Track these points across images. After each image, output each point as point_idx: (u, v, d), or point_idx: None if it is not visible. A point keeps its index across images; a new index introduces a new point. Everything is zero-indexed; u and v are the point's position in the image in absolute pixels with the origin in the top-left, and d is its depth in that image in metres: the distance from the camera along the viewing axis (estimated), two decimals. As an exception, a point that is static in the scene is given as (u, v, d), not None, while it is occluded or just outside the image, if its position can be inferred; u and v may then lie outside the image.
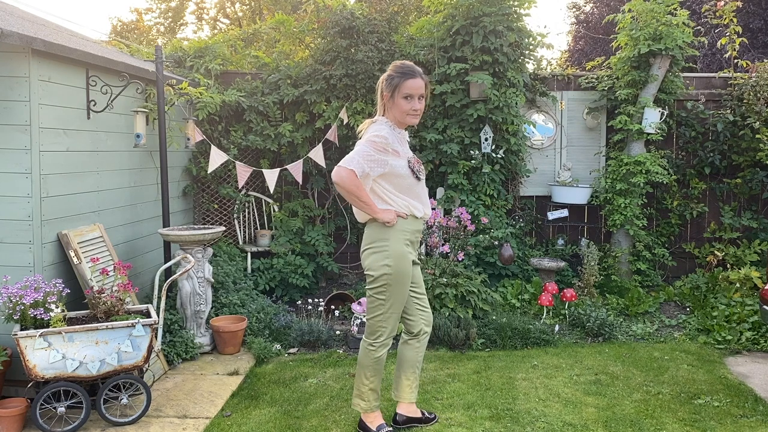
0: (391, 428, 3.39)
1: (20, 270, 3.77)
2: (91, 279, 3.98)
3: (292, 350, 4.85)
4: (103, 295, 3.70)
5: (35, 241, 3.79)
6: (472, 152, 5.92)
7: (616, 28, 6.21)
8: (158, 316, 3.81)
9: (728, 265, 6.02)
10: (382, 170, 3.06)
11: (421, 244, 5.34)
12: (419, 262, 3.38)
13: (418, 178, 3.16)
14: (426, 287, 4.81)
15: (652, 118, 5.84)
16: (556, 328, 5.17)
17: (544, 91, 6.36)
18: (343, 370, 4.39)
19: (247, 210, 6.26)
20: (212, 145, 5.69)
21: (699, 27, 8.27)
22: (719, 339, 4.93)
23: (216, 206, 6.21)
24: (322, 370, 4.40)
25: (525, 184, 6.47)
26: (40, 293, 3.49)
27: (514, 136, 6.03)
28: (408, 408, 3.48)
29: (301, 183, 6.01)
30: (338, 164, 3.01)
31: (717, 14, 6.46)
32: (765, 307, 3.92)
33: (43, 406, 3.42)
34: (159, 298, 4.03)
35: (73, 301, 3.94)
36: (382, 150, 3.05)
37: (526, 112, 6.46)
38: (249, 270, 5.88)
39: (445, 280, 5.00)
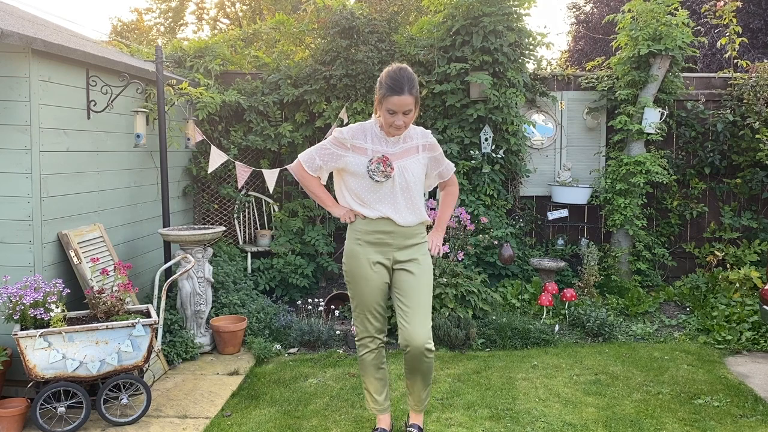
0: None
1: (20, 270, 3.77)
2: (91, 279, 3.98)
3: (292, 350, 4.85)
4: (103, 295, 3.70)
5: (35, 241, 3.79)
6: (472, 152, 5.92)
7: (616, 28, 6.21)
8: (158, 316, 3.81)
9: (728, 265, 6.02)
10: (336, 164, 3.12)
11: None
12: (409, 271, 3.11)
13: (374, 180, 3.03)
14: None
15: (652, 118, 5.84)
16: (556, 328, 5.17)
17: (544, 91, 6.36)
18: (343, 370, 4.39)
19: (247, 210, 6.26)
20: (212, 145, 5.68)
21: (699, 27, 8.27)
22: (719, 339, 4.93)
23: (216, 206, 6.21)
24: (322, 370, 4.41)
25: (525, 184, 6.47)
26: (40, 293, 3.49)
27: (514, 136, 6.03)
28: (412, 416, 3.35)
29: (301, 183, 6.01)
30: None
31: (717, 14, 6.46)
32: (765, 307, 3.92)
33: (43, 406, 3.42)
34: (159, 298, 4.03)
35: (73, 301, 3.94)
36: (339, 145, 3.10)
37: (526, 112, 6.46)
38: (249, 270, 5.88)
39: (445, 280, 5.00)
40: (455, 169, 3.32)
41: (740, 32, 6.44)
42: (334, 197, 3.27)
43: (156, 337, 3.79)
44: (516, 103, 5.93)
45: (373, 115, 3.16)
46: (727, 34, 6.38)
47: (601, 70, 6.52)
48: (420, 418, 3.32)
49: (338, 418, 3.63)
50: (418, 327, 3.05)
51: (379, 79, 3.04)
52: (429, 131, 3.22)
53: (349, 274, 3.18)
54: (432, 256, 3.24)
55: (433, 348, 3.11)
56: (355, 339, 3.27)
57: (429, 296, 3.15)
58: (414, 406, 3.30)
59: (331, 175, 3.25)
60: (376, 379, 3.28)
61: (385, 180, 3.04)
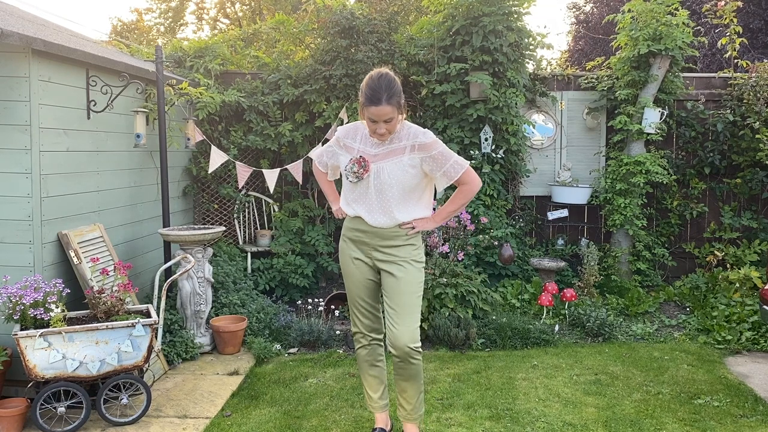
0: None
1: (20, 270, 3.77)
2: (91, 279, 3.98)
3: (292, 350, 4.85)
4: (103, 295, 3.70)
5: (35, 241, 3.79)
6: (472, 152, 5.92)
7: (616, 28, 6.22)
8: (158, 316, 3.81)
9: (728, 265, 6.02)
10: (333, 162, 3.26)
11: (430, 248, 5.22)
12: (391, 273, 3.10)
13: (348, 180, 3.09)
14: (425, 287, 4.79)
15: (652, 118, 5.84)
16: (556, 328, 5.17)
17: (544, 91, 6.36)
18: (343, 370, 4.39)
19: (247, 210, 6.26)
20: (212, 145, 5.69)
21: (699, 27, 8.27)
22: (719, 339, 4.93)
23: (216, 206, 6.21)
24: (322, 370, 4.41)
25: (525, 184, 6.47)
26: (40, 293, 3.49)
27: (514, 136, 6.03)
28: (407, 428, 3.27)
29: (301, 183, 6.01)
30: None
31: (717, 14, 6.46)
32: (765, 307, 3.92)
33: (43, 406, 3.42)
34: (159, 298, 4.03)
35: (73, 301, 3.94)
36: (337, 143, 3.22)
37: (526, 112, 6.46)
38: (249, 270, 5.88)
39: (445, 280, 5.00)
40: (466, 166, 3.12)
41: (740, 32, 6.44)
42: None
43: (156, 337, 3.79)
44: (516, 103, 5.93)
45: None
46: (728, 34, 6.38)
47: (601, 70, 6.52)
48: (417, 429, 3.27)
49: (338, 418, 3.63)
50: (402, 328, 3.05)
51: (361, 85, 3.02)
52: (425, 130, 3.07)
53: (342, 269, 3.30)
54: (425, 250, 3.25)
55: (420, 350, 3.10)
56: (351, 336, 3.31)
57: (415, 298, 3.12)
58: (407, 415, 3.23)
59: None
60: (370, 376, 3.31)
61: (357, 181, 3.06)
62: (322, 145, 5.85)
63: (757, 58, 8.63)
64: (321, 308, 5.28)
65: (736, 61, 6.46)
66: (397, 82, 2.98)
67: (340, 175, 3.25)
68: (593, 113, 6.43)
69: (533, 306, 5.59)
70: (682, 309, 5.80)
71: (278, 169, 5.86)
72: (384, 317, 3.25)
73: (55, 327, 3.43)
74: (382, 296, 3.21)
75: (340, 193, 3.32)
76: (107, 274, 3.86)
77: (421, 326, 3.78)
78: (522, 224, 6.31)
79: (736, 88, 6.26)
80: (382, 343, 3.32)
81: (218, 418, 3.67)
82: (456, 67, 5.80)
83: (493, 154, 5.95)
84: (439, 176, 3.10)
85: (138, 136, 4.67)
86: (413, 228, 3.12)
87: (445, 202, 5.80)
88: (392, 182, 3.03)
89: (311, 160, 5.82)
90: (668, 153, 6.29)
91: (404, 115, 3.07)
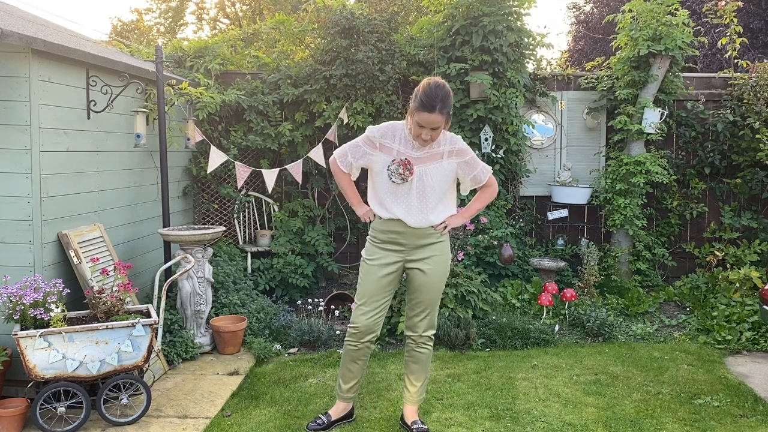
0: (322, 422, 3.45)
1: (20, 270, 3.77)
2: (91, 279, 3.98)
3: (292, 350, 4.85)
4: (103, 295, 3.70)
5: (35, 241, 3.79)
6: (472, 152, 5.92)
7: (616, 29, 6.22)
8: (158, 316, 3.81)
9: (728, 265, 6.02)
10: (363, 162, 3.26)
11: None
12: (422, 270, 3.25)
13: (391, 180, 3.14)
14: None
15: (652, 118, 5.84)
16: (556, 328, 5.17)
17: (544, 91, 6.36)
18: (343, 370, 4.39)
19: (247, 210, 6.26)
20: (212, 146, 5.69)
21: (699, 27, 8.26)
22: (719, 339, 4.93)
23: (216, 206, 6.21)
24: (322, 370, 4.40)
25: (525, 184, 6.47)
26: (40, 293, 3.49)
27: (514, 136, 6.03)
28: (407, 409, 3.47)
29: (301, 183, 6.01)
30: None
31: (717, 14, 6.46)
32: (765, 307, 3.92)
33: (43, 406, 3.42)
34: (159, 298, 4.03)
35: (73, 301, 3.94)
36: (369, 143, 3.22)
37: (526, 112, 6.46)
38: (249, 270, 5.88)
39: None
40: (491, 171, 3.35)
41: (740, 32, 6.44)
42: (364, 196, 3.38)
43: (156, 337, 3.79)
44: (516, 103, 5.92)
45: (407, 116, 3.19)
46: (728, 34, 6.38)
47: (601, 70, 6.52)
48: (416, 413, 3.45)
49: (338, 418, 3.63)
50: (425, 318, 3.32)
51: (416, 89, 3.09)
52: (458, 137, 3.25)
53: (363, 266, 3.31)
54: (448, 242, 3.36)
55: (434, 336, 3.38)
56: (348, 326, 3.36)
57: (439, 293, 3.32)
58: (410, 397, 3.43)
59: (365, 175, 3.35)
60: (347, 369, 3.41)
61: (402, 183, 3.15)
62: (323, 145, 5.86)
63: (757, 58, 8.63)
64: (321, 308, 5.28)
65: (736, 61, 6.46)
66: (451, 95, 3.08)
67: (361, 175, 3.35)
68: (593, 113, 6.43)
69: (533, 306, 5.59)
70: (682, 309, 5.80)
71: (277, 169, 5.86)
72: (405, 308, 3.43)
73: (55, 327, 3.43)
74: (406, 291, 3.37)
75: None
76: (107, 274, 3.86)
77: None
78: (522, 224, 6.31)
79: (736, 88, 6.25)
80: (372, 347, 3.37)
81: (218, 418, 3.67)
82: (456, 67, 5.80)
83: (493, 154, 5.95)
84: (468, 180, 3.29)
85: (138, 136, 4.67)
86: (446, 226, 3.25)
87: None
88: (435, 186, 3.17)
89: (311, 159, 5.89)
90: (668, 153, 6.29)
91: (449, 126, 3.17)
